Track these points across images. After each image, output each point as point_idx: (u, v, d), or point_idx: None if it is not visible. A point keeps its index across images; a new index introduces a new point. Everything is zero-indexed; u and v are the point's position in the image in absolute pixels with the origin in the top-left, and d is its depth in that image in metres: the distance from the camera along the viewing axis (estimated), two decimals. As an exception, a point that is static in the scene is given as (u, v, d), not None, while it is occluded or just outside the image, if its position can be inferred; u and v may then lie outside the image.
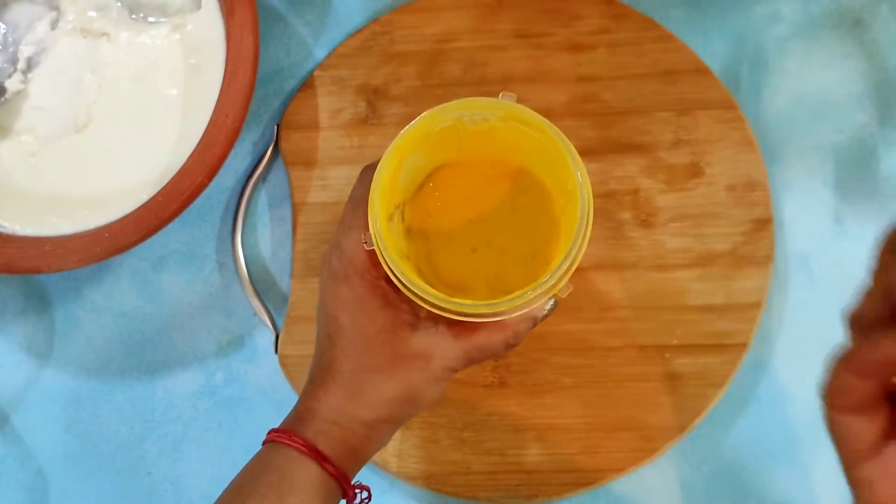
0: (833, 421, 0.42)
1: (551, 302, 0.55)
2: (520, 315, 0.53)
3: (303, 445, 0.52)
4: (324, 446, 0.52)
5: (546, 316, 0.56)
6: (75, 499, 0.68)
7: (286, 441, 0.52)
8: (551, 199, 0.57)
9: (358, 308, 0.54)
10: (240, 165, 0.70)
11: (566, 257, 0.50)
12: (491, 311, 0.51)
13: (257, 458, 0.54)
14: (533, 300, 0.51)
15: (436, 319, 0.54)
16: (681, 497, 0.64)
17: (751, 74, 0.68)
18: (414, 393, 0.54)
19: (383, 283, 0.54)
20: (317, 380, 0.55)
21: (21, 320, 0.70)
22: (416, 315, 0.55)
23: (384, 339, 0.53)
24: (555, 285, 0.51)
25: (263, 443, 0.54)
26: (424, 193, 0.58)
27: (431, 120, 0.53)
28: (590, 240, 0.53)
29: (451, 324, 0.54)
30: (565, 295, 0.52)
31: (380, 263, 0.53)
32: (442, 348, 0.53)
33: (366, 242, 0.53)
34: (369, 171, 0.56)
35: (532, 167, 0.58)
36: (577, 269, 0.52)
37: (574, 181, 0.51)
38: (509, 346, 0.55)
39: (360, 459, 0.54)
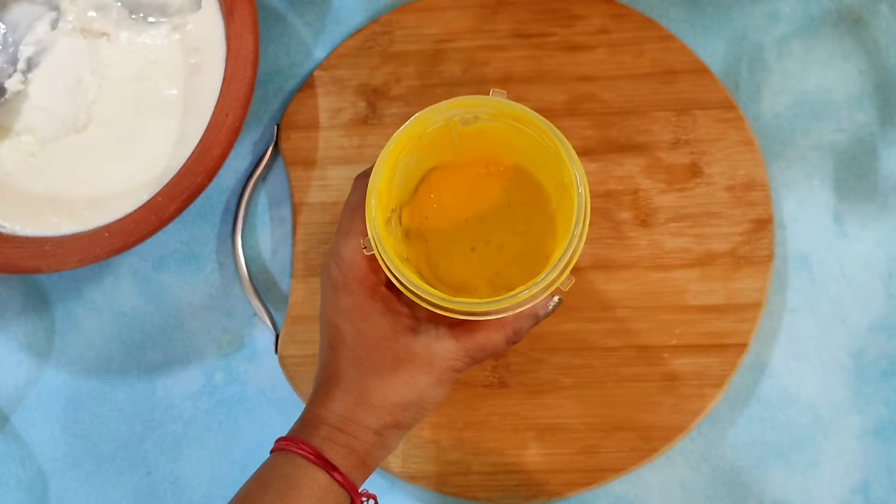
0: None
1: (556, 299, 0.56)
2: (522, 311, 0.54)
3: (310, 453, 0.52)
4: (331, 454, 0.53)
5: (549, 313, 0.56)
6: (75, 499, 0.68)
7: (294, 449, 0.53)
8: (547, 195, 0.58)
9: (359, 314, 0.54)
10: (240, 165, 0.70)
11: (566, 250, 0.51)
12: (494, 309, 0.52)
13: (264, 466, 0.54)
14: (535, 295, 0.51)
15: (437, 322, 0.55)
16: (680, 497, 0.64)
17: (750, 74, 0.68)
18: (419, 396, 0.54)
19: (384, 289, 0.55)
20: (322, 388, 0.55)
21: (21, 320, 0.70)
22: (417, 319, 0.55)
23: (386, 344, 0.54)
24: (556, 279, 0.51)
25: (271, 451, 0.54)
26: (420, 196, 0.59)
27: (424, 121, 0.53)
28: (589, 240, 0.54)
29: (452, 325, 0.54)
30: (567, 288, 0.52)
31: (379, 269, 0.53)
32: (444, 350, 0.54)
33: (365, 247, 0.53)
34: (363, 178, 0.56)
35: (526, 164, 0.58)
36: (576, 269, 0.53)
37: (570, 174, 0.52)
38: (511, 343, 0.55)
39: (367, 467, 0.54)
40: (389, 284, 0.56)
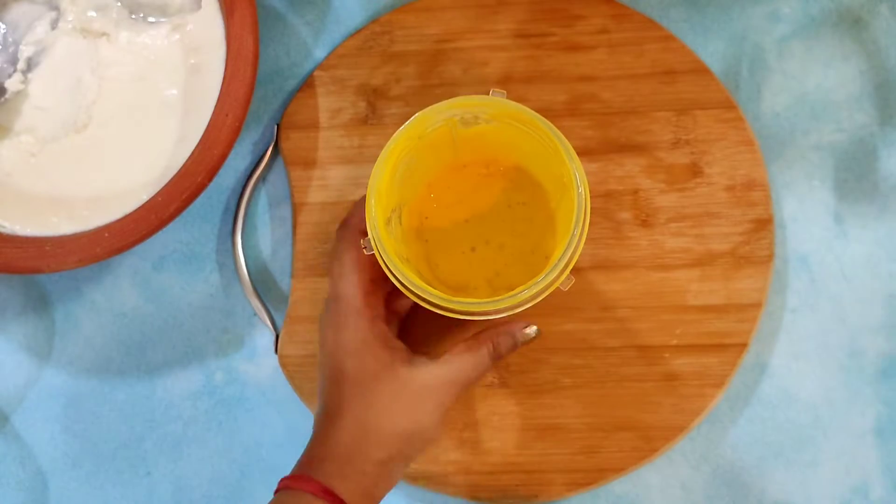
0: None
1: (533, 329, 0.59)
2: (499, 328, 0.56)
3: (319, 490, 0.53)
4: (340, 489, 0.53)
5: (528, 340, 0.59)
6: (75, 499, 0.68)
7: (303, 487, 0.53)
8: (547, 195, 0.59)
9: (362, 348, 0.56)
10: (240, 165, 0.71)
11: (566, 250, 0.52)
12: (493, 309, 0.52)
13: None
14: (535, 295, 0.52)
15: (433, 355, 0.57)
16: (681, 497, 0.65)
17: (751, 74, 0.68)
18: (421, 426, 0.56)
19: (381, 324, 0.57)
20: (325, 423, 0.56)
21: (21, 320, 0.70)
22: (412, 353, 0.57)
23: (388, 375, 0.56)
24: (556, 279, 0.52)
25: (276, 491, 0.55)
26: (420, 196, 0.59)
27: (424, 121, 0.54)
28: (589, 240, 0.55)
29: (447, 356, 0.57)
30: (567, 287, 0.53)
31: (376, 306, 0.55)
32: (442, 376, 0.56)
33: (365, 247, 0.54)
34: (344, 229, 0.59)
35: (526, 164, 0.59)
36: (576, 269, 0.53)
37: (570, 173, 0.52)
38: (495, 359, 0.58)
39: (374, 499, 0.56)
40: (387, 319, 0.59)
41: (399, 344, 0.58)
